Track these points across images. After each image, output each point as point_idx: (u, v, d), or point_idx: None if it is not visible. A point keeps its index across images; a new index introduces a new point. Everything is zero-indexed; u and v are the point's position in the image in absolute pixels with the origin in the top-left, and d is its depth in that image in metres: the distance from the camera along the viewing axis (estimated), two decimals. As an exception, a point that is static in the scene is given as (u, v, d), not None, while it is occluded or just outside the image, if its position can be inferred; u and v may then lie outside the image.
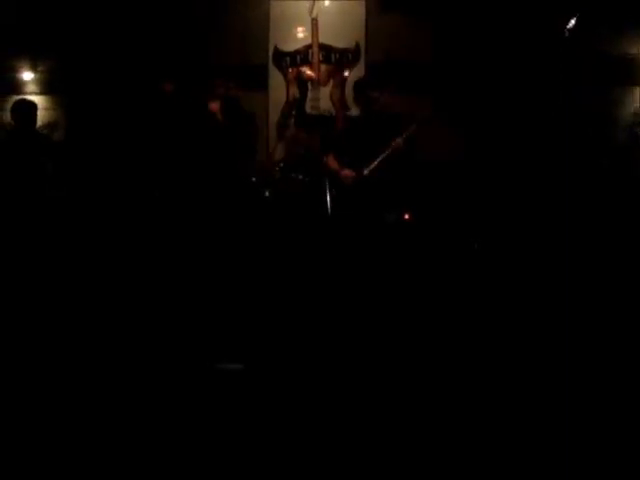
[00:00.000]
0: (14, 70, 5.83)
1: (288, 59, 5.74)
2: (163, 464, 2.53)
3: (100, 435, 2.71)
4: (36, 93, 5.75)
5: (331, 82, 5.70)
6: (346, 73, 5.68)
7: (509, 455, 2.57)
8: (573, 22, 3.79)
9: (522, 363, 3.33)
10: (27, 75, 5.82)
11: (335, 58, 5.71)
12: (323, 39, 5.66)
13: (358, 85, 4.81)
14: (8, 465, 2.49)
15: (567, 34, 3.83)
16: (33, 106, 4.94)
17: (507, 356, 3.42)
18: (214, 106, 4.89)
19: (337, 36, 5.69)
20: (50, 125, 5.72)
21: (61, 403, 2.96)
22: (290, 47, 5.74)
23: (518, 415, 2.85)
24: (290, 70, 5.71)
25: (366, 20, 5.69)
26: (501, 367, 3.32)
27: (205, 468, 2.52)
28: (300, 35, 5.71)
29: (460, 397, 3.04)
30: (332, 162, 4.62)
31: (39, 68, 5.83)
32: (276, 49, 5.75)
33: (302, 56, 5.72)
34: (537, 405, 2.92)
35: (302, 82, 5.30)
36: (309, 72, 5.60)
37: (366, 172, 4.46)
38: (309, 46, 5.69)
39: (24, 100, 5.03)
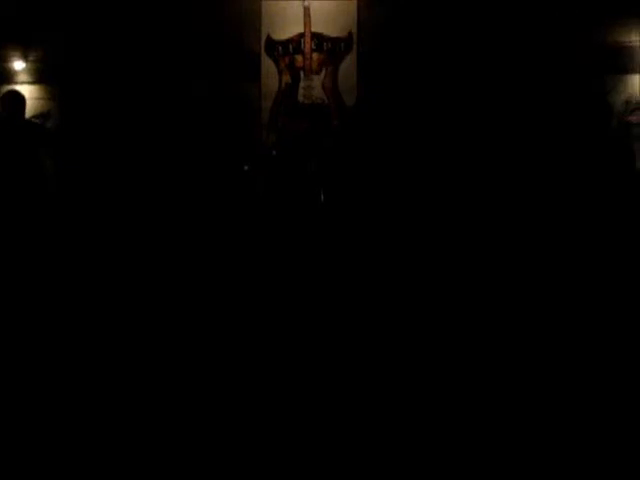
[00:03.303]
0: (4, 59, 5.80)
1: (280, 48, 5.72)
2: (163, 459, 2.52)
3: (99, 431, 2.70)
4: (27, 83, 5.73)
5: (323, 71, 5.69)
6: (338, 62, 5.67)
7: (509, 453, 2.54)
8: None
9: (525, 357, 3.32)
10: (18, 65, 5.78)
11: (327, 47, 5.69)
12: (315, 28, 5.65)
13: None
14: (8, 465, 2.47)
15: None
16: (21, 97, 4.91)
17: (508, 351, 3.41)
18: (205, 94, 4.89)
19: (330, 25, 5.68)
20: (42, 115, 5.70)
21: (63, 398, 2.95)
22: (282, 36, 5.72)
23: (520, 409, 2.83)
24: (282, 59, 5.70)
25: (359, 9, 5.67)
26: (504, 361, 3.30)
27: (206, 464, 2.50)
28: (292, 24, 5.70)
29: (461, 391, 3.02)
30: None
31: (30, 57, 5.80)
32: (269, 38, 5.73)
33: (294, 45, 5.70)
34: (537, 395, 2.92)
35: (294, 71, 5.28)
36: (301, 61, 5.58)
37: None
38: (301, 35, 5.68)
39: (13, 91, 5.00)
